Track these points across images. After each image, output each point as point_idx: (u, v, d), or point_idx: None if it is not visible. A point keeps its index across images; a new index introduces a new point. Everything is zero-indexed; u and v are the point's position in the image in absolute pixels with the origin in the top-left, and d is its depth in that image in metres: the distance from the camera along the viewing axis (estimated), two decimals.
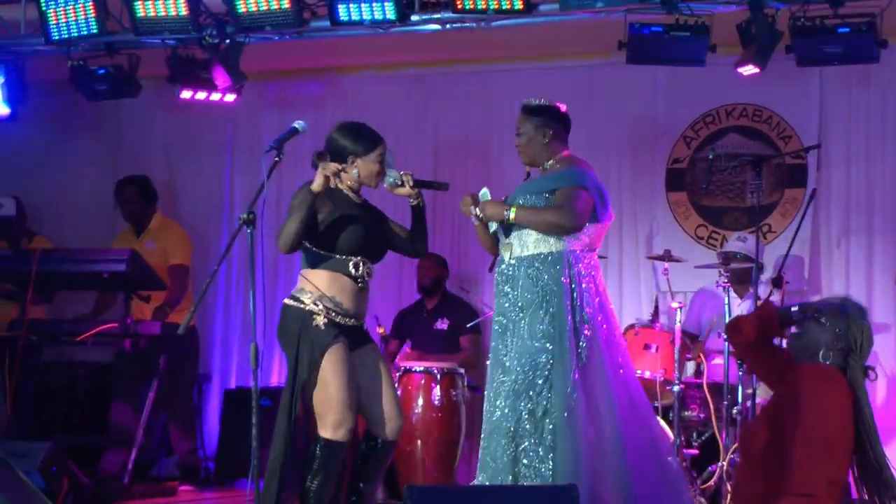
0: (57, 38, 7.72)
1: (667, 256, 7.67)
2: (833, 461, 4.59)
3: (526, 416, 5.16)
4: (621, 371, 5.36)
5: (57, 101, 9.23)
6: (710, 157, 7.50)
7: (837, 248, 8.23)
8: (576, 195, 5.31)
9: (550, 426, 5.15)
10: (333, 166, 5.37)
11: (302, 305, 5.36)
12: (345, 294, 5.39)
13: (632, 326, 7.54)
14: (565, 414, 5.12)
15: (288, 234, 5.30)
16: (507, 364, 5.29)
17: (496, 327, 5.43)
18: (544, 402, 5.16)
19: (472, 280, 8.80)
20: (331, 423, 5.29)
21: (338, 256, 5.38)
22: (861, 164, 8.21)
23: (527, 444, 5.15)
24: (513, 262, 5.38)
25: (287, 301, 5.45)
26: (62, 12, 7.63)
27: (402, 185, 5.46)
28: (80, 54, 7.96)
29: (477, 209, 5.46)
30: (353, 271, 5.40)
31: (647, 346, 7.30)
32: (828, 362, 4.77)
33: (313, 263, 5.43)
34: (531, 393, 5.17)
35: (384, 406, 5.49)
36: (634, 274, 8.63)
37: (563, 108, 5.57)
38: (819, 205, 8.16)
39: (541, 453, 5.14)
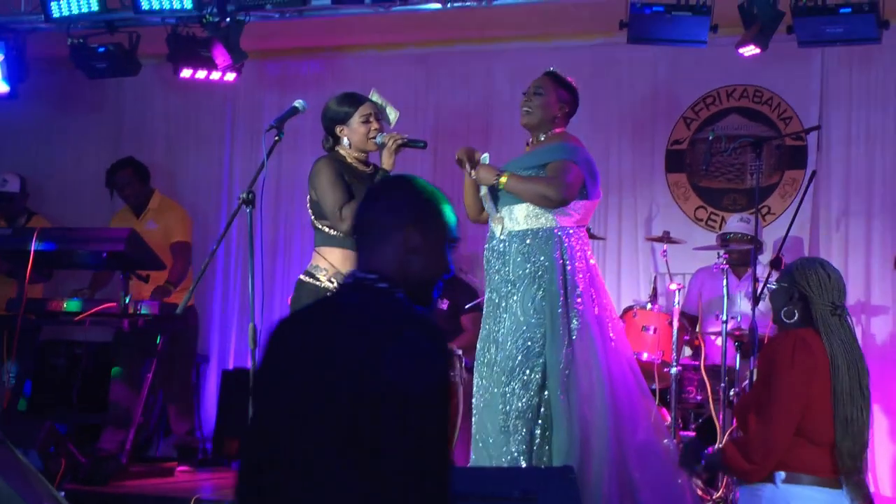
0: (57, 15, 7.70)
1: (665, 238, 7.67)
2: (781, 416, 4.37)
3: (520, 394, 5.16)
4: (613, 345, 5.32)
5: (57, 79, 9.21)
6: (710, 138, 7.46)
7: (837, 230, 8.20)
8: (566, 168, 5.31)
9: (545, 404, 5.14)
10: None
11: (317, 283, 5.37)
12: None
13: (630, 308, 7.51)
14: (559, 393, 5.12)
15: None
16: (500, 340, 5.28)
17: (488, 304, 5.43)
18: (538, 379, 5.16)
19: (469, 260, 8.78)
20: None
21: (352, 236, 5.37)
22: (861, 146, 8.18)
23: (520, 422, 5.14)
24: (504, 237, 5.38)
25: (303, 277, 5.45)
26: None
27: (389, 144, 5.48)
28: (80, 32, 7.94)
29: (472, 170, 5.46)
30: None
31: (645, 328, 7.29)
32: (793, 319, 4.58)
33: (328, 242, 5.43)
34: (526, 370, 5.16)
35: None
36: (633, 255, 8.61)
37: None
38: (819, 186, 8.13)
39: (536, 433, 5.13)
